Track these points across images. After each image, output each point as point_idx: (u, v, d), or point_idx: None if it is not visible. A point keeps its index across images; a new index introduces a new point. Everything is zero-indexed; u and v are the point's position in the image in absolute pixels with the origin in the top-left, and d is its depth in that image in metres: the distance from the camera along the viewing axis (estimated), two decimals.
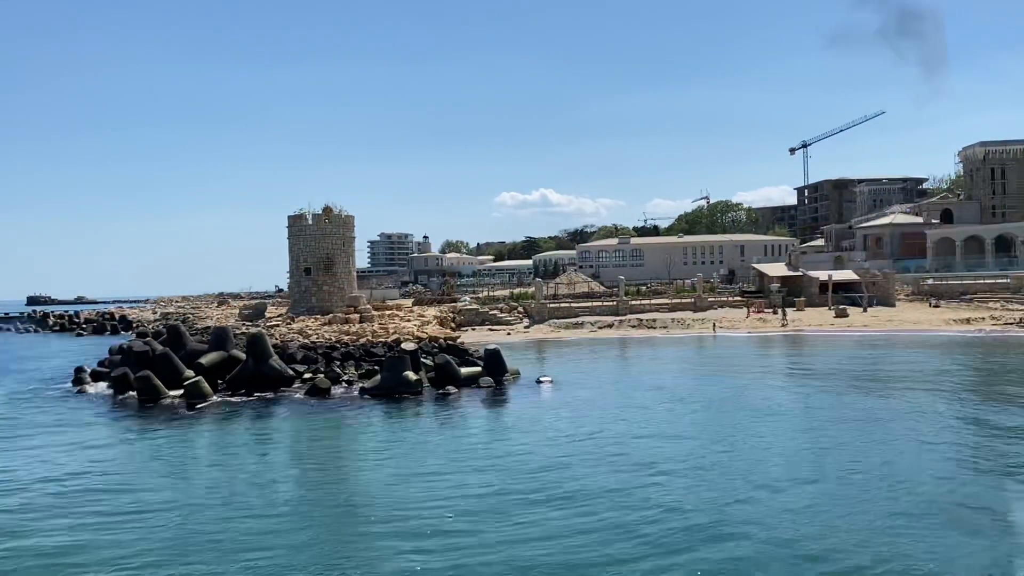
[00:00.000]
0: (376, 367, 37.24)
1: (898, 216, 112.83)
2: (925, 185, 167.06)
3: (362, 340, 43.29)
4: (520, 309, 71.94)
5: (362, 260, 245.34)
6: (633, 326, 67.35)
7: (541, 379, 36.78)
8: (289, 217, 61.06)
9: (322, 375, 36.34)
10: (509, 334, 63.62)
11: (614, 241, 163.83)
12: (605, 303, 75.25)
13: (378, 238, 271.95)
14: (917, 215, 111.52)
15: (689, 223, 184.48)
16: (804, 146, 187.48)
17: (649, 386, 35.14)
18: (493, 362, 37.19)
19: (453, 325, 63.96)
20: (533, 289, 76.05)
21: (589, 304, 74.68)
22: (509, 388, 35.35)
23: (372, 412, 30.34)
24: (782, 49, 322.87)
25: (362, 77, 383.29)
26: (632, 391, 33.87)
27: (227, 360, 36.07)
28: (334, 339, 44.33)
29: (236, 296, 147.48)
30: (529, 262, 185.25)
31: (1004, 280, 78.14)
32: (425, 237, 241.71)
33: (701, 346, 54.64)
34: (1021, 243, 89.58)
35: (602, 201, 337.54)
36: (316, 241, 59.81)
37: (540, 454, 22.23)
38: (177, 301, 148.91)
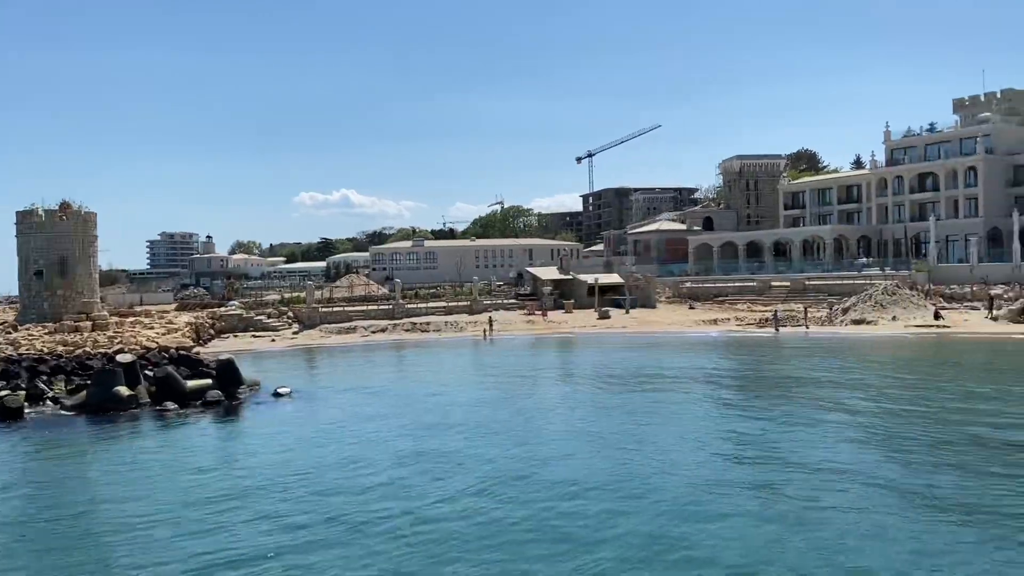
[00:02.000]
0: (88, 381, 33.21)
1: (664, 223, 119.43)
2: (696, 195, 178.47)
3: (78, 351, 38.71)
4: (290, 314, 68.47)
5: (140, 262, 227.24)
6: (407, 330, 66.02)
7: (279, 391, 34.30)
8: (17, 213, 54.15)
9: (21, 392, 31.79)
10: (274, 340, 60.24)
11: (408, 243, 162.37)
12: (381, 307, 73.40)
13: (159, 237, 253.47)
14: (682, 222, 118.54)
15: (484, 227, 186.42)
16: (590, 155, 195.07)
17: (398, 396, 33.73)
18: (226, 374, 34.31)
19: (211, 332, 59.59)
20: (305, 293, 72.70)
21: (364, 308, 72.52)
22: (244, 402, 32.61)
23: (58, 437, 26.69)
24: (579, 57, 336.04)
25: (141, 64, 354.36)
26: (377, 399, 32.31)
27: None
28: (48, 350, 39.36)
29: None
30: (323, 264, 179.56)
31: (752, 283, 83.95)
32: (208, 237, 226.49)
33: (473, 349, 54.20)
34: (768, 249, 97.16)
35: (405, 203, 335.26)
36: (50, 241, 53.45)
37: (213, 488, 19.79)
38: None
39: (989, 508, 15.92)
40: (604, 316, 68.62)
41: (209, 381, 33.77)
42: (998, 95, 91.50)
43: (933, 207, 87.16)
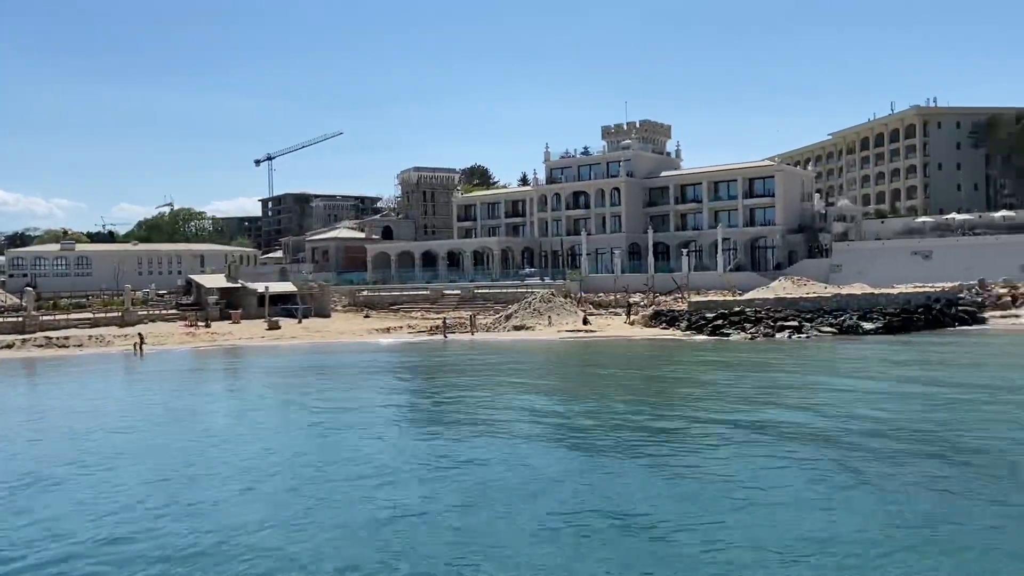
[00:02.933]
0: None
1: (343, 231, 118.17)
2: (379, 204, 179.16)
3: None
4: None
5: None
6: (40, 345, 57.39)
7: None
8: None
9: None
10: None
11: (56, 246, 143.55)
12: (8, 319, 63.26)
13: None
14: (362, 231, 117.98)
15: (149, 230, 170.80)
16: (269, 158, 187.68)
17: None
18: None
19: None
20: None
21: None
22: None
23: None
24: (262, 56, 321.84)
25: None
26: None
27: None
28: None
29: None
30: None
31: (426, 292, 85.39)
32: None
33: (123, 366, 48.05)
34: (443, 258, 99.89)
35: (58, 202, 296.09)
36: None
37: None
38: None
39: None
40: (274, 326, 65.44)
41: None
42: (637, 124, 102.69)
43: (585, 222, 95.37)
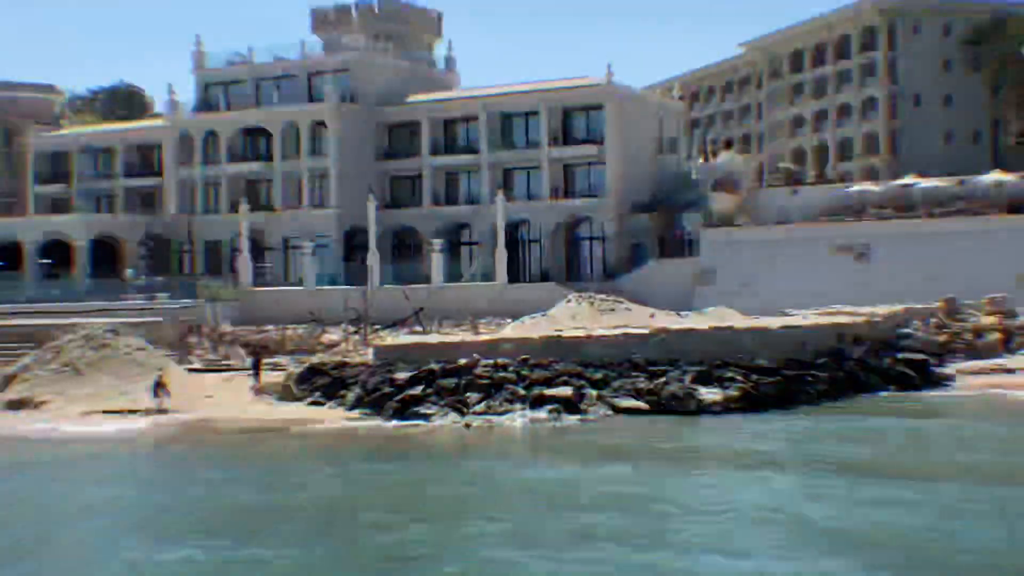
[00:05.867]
0: None
1: None
2: None
3: None
4: None
5: None
6: None
7: None
8: None
9: None
10: None
11: None
12: None
13: None
14: None
15: None
16: None
17: None
18: None
19: None
20: None
21: None
22: None
23: None
24: None
25: None
26: None
27: None
28: None
29: None
30: None
31: None
32: None
33: None
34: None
35: None
36: None
37: None
38: None
39: None
40: None
41: None
42: (377, 9, 63.42)
43: (266, 188, 54.08)
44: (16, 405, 35.20)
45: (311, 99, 57.66)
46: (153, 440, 31.01)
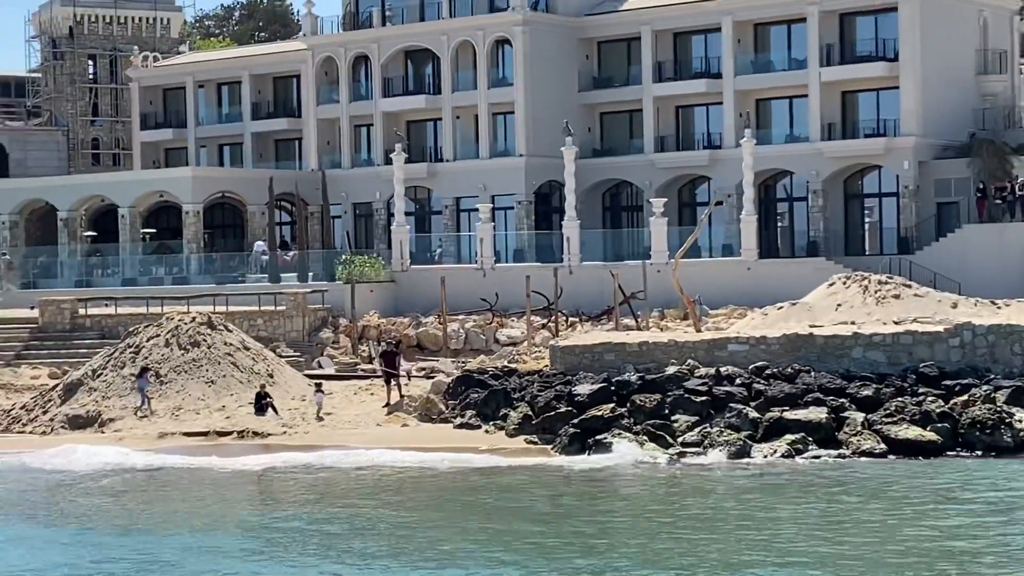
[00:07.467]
0: None
1: None
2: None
3: None
4: None
5: None
6: None
7: None
8: None
9: None
10: None
11: None
12: None
13: None
14: None
15: None
16: None
17: None
18: None
19: None
20: None
21: None
22: None
23: None
24: None
25: None
26: None
27: None
28: None
29: None
30: None
31: None
32: None
33: None
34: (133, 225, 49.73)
35: None
36: None
37: None
38: None
39: None
40: None
41: None
42: None
43: (435, 129, 48.48)
44: (79, 423, 30.07)
45: (492, 9, 47.27)
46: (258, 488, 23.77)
